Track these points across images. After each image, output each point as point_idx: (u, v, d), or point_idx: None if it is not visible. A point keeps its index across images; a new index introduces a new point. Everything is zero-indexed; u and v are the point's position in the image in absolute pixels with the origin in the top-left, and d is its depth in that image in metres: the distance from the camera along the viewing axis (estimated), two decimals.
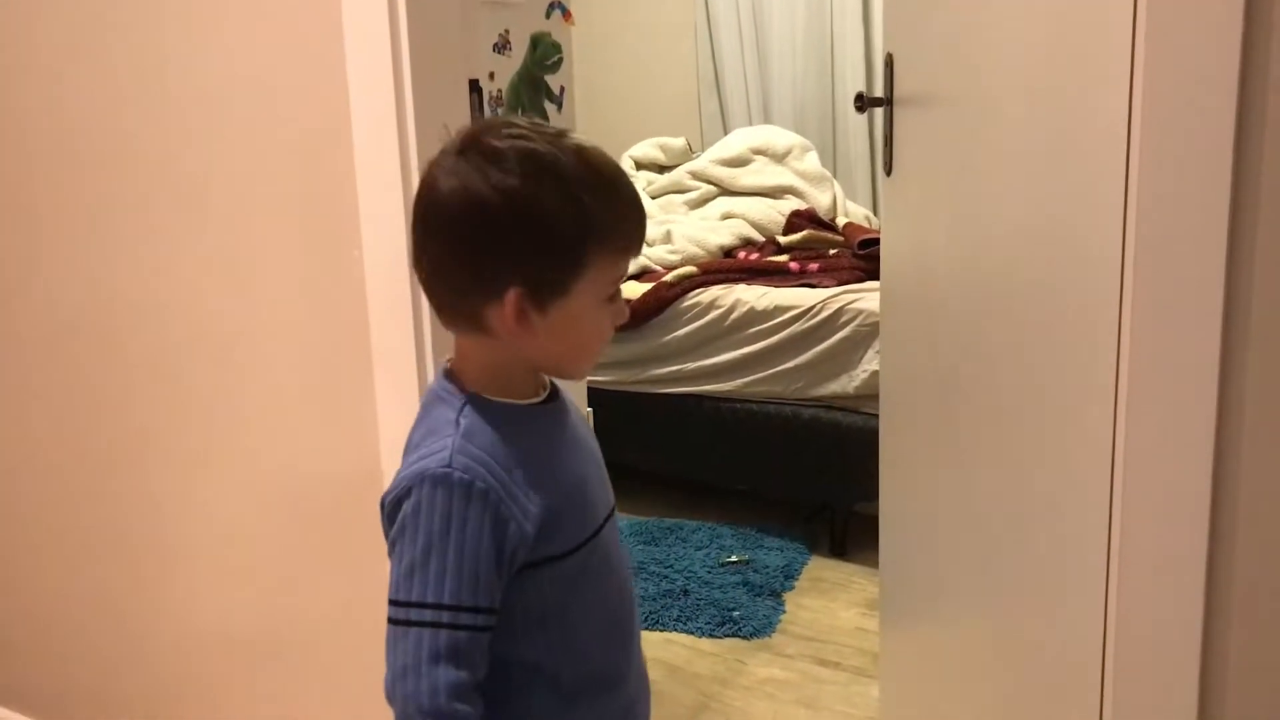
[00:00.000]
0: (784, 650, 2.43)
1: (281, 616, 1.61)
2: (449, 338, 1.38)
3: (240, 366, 1.54)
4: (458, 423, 0.92)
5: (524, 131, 0.91)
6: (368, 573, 1.49)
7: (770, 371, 2.91)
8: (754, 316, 2.93)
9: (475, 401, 0.94)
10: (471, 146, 0.90)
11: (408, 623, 0.88)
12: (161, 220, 1.55)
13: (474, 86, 1.43)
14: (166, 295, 1.58)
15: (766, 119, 4.27)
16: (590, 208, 0.91)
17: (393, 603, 0.89)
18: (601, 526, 1.00)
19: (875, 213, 4.03)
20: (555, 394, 1.02)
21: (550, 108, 1.91)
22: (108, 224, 1.61)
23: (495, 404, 0.95)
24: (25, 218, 1.70)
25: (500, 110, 1.77)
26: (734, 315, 2.95)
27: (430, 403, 0.97)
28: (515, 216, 0.89)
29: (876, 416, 2.64)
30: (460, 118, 1.40)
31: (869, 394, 2.73)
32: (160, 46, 1.49)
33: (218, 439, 1.59)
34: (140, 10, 1.49)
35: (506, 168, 0.89)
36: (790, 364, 2.87)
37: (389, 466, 1.43)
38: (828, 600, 2.65)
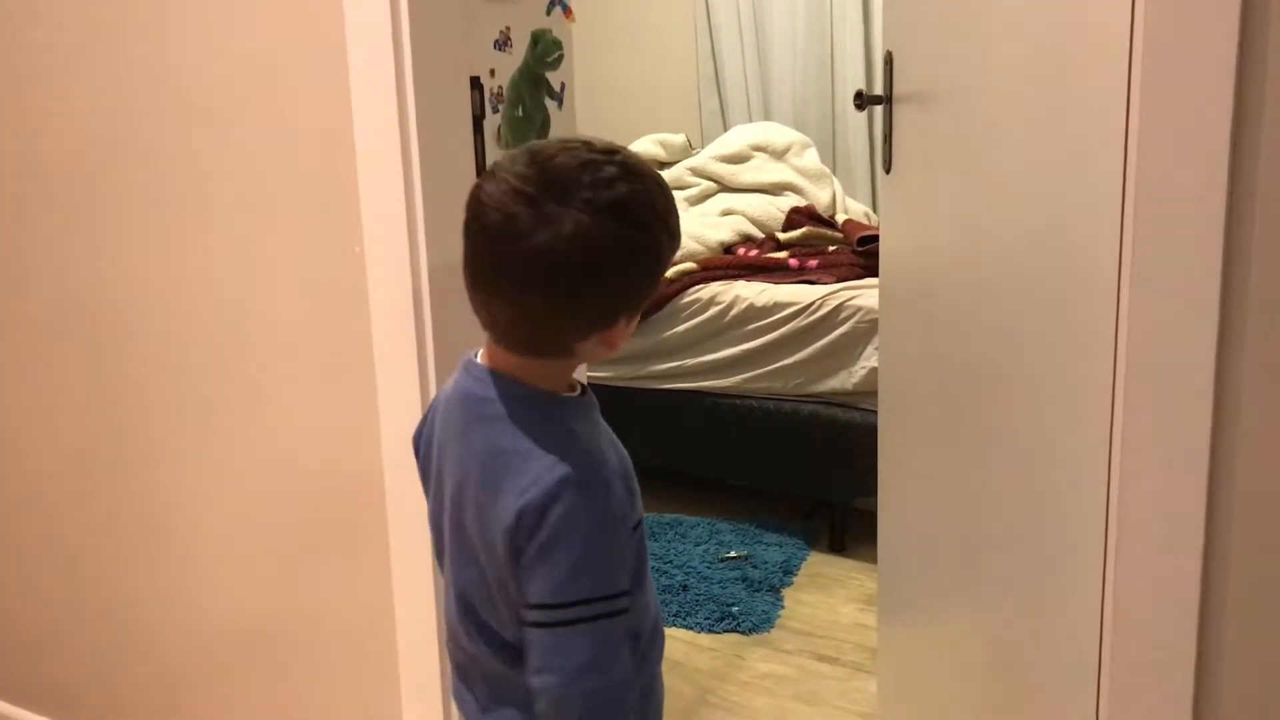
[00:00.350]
0: (783, 645, 2.44)
1: (287, 608, 1.62)
2: (450, 335, 1.39)
3: (243, 362, 1.55)
4: (567, 427, 0.97)
5: (612, 175, 0.89)
6: (369, 565, 1.50)
7: (769, 368, 2.92)
8: (753, 313, 2.93)
9: (558, 403, 0.98)
10: (562, 193, 0.88)
11: (583, 619, 0.91)
12: (164, 216, 1.56)
13: (475, 83, 1.43)
14: (170, 291, 1.59)
15: (766, 116, 4.27)
16: (674, 228, 0.95)
17: (558, 606, 0.91)
18: None
19: (874, 209, 4.03)
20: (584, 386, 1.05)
21: (550, 104, 1.91)
22: (111, 220, 1.61)
23: (570, 402, 1.00)
24: (29, 214, 1.70)
25: (502, 107, 1.77)
26: (733, 311, 2.96)
27: (510, 408, 0.96)
28: (635, 260, 0.92)
29: (875, 413, 2.65)
30: (461, 115, 1.40)
31: (868, 390, 2.74)
32: (164, 43, 1.49)
33: (222, 433, 1.60)
34: (144, 8, 1.50)
35: (649, 220, 0.91)
36: (789, 360, 2.88)
37: (390, 461, 1.43)
38: (826, 596, 2.66)
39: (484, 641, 0.99)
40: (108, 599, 1.80)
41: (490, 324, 0.95)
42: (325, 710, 1.62)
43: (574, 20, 1.94)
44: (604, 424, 1.05)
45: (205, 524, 1.66)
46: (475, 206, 0.91)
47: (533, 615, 0.92)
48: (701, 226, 3.48)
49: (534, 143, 0.94)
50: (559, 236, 0.87)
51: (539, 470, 0.92)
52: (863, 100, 1.78)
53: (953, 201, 1.53)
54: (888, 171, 1.76)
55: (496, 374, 0.97)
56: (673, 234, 0.94)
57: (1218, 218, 0.96)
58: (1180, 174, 0.98)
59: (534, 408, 0.96)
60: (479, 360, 0.99)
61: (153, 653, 1.78)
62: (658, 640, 1.07)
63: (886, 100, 1.71)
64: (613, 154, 0.92)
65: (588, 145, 0.92)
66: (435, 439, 1.04)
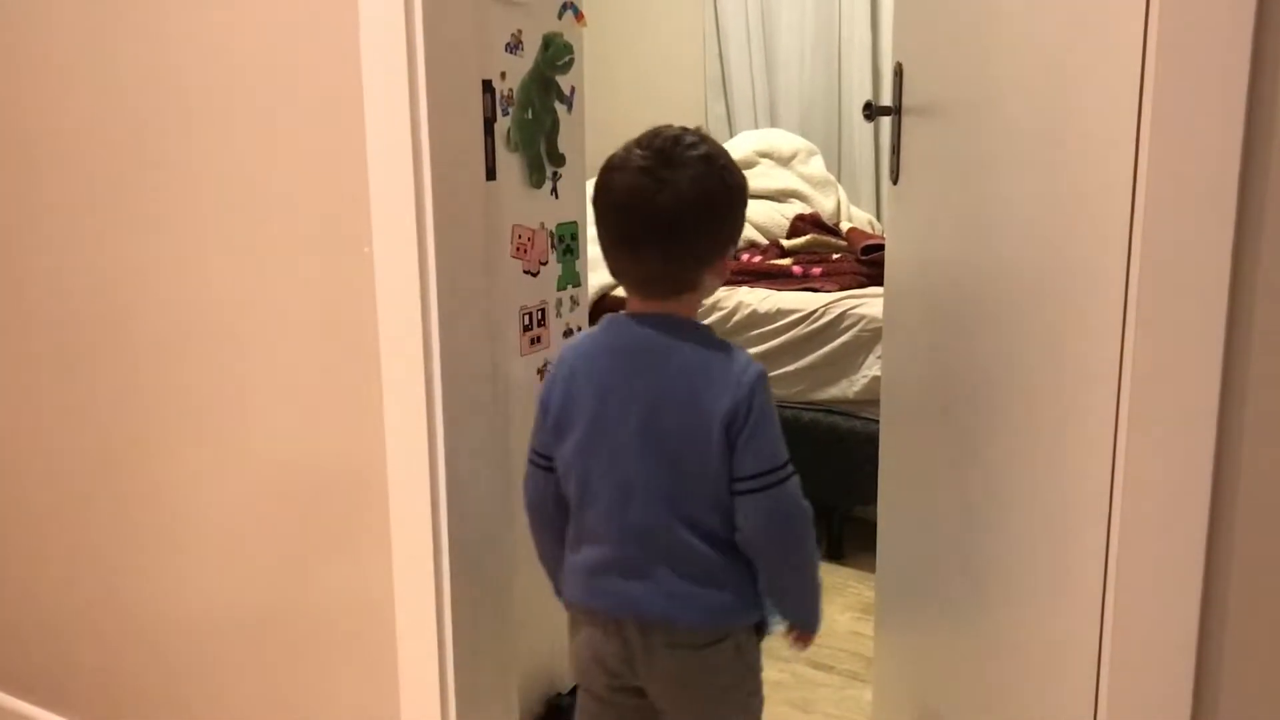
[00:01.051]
0: (778, 653, 2.44)
1: (286, 602, 1.62)
2: (456, 334, 1.40)
3: (249, 357, 1.55)
4: (728, 342, 1.30)
5: (694, 140, 1.27)
6: (369, 559, 1.50)
7: (771, 374, 2.92)
8: (756, 319, 2.94)
9: (707, 326, 1.36)
10: (668, 161, 1.23)
11: (789, 476, 1.28)
12: (171, 213, 1.56)
13: (486, 86, 1.43)
14: (177, 286, 1.59)
15: (773, 123, 4.28)
16: (743, 176, 1.32)
17: (771, 470, 1.26)
18: None
19: (879, 218, 4.04)
20: None
21: (560, 108, 1.92)
22: (118, 216, 1.62)
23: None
24: (35, 211, 1.71)
25: (511, 109, 1.78)
26: (736, 317, 2.96)
27: (686, 336, 1.28)
28: (743, 198, 1.31)
29: (876, 421, 2.66)
30: (473, 118, 1.41)
31: (869, 399, 2.75)
32: (173, 42, 1.50)
33: (223, 427, 1.60)
34: (149, 7, 1.50)
35: (730, 165, 1.29)
36: (791, 367, 2.88)
37: (394, 457, 1.44)
38: (824, 604, 2.66)
39: (688, 530, 1.26)
40: (106, 591, 1.81)
41: (640, 281, 1.29)
42: (322, 704, 1.62)
43: (585, 24, 1.95)
44: None
45: (206, 515, 1.66)
46: (609, 192, 1.25)
47: (751, 484, 1.25)
48: None
49: (639, 136, 1.27)
50: (679, 191, 1.21)
51: (738, 371, 1.24)
52: (871, 111, 1.79)
53: (959, 213, 1.54)
54: (895, 182, 1.77)
55: (658, 317, 1.28)
56: (744, 179, 1.31)
57: (1226, 230, 0.97)
58: (1189, 188, 0.98)
59: (701, 331, 1.29)
60: (627, 317, 1.29)
61: (150, 645, 1.78)
62: None
63: (895, 111, 1.71)
64: (689, 130, 1.28)
65: (670, 127, 1.28)
66: (580, 392, 1.30)
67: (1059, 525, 1.24)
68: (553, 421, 1.32)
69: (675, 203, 1.21)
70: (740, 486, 1.25)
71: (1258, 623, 1.03)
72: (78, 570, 1.83)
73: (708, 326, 1.33)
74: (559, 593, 1.42)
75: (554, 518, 1.37)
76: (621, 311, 1.31)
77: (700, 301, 1.35)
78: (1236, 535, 1.02)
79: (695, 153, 1.24)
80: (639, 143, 1.26)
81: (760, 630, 1.37)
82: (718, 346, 1.28)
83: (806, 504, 1.29)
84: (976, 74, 1.46)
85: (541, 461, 1.36)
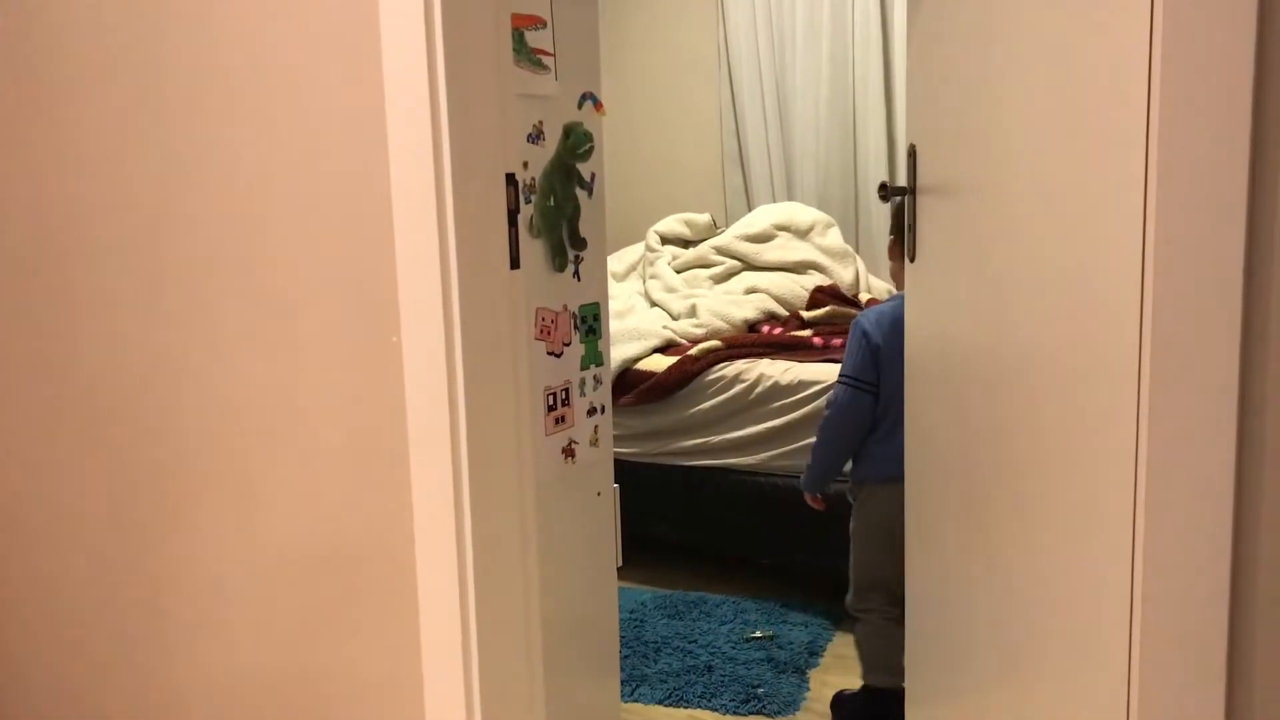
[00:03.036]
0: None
1: (310, 673, 1.63)
2: (481, 417, 1.43)
3: (277, 445, 1.58)
4: None
5: None
6: (398, 640, 1.51)
7: (794, 445, 2.94)
8: (778, 391, 2.96)
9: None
10: None
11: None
12: (206, 303, 1.61)
13: (510, 180, 1.48)
14: (208, 373, 1.63)
15: (790, 195, 4.34)
16: None
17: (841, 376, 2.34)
18: None
19: (898, 289, 4.06)
20: None
21: (581, 194, 1.97)
22: (150, 306, 1.66)
23: None
24: (70, 292, 1.76)
25: (534, 198, 1.83)
26: (758, 389, 2.99)
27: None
28: None
29: None
30: (497, 212, 1.45)
31: None
32: (206, 149, 1.55)
33: (252, 513, 1.63)
34: (195, 100, 1.56)
35: None
36: (814, 438, 2.89)
37: (423, 541, 1.46)
38: (853, 677, 2.64)
39: None
40: (127, 668, 1.82)
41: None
42: None
43: (604, 114, 2.00)
44: None
45: (229, 601, 1.68)
46: None
47: None
48: (726, 304, 3.53)
49: None
50: None
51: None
52: (887, 192, 1.83)
53: (975, 289, 1.56)
54: (911, 260, 1.80)
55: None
56: None
57: (1234, 308, 0.99)
58: (1197, 265, 1.01)
59: None
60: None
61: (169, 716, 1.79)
62: None
63: (910, 191, 1.75)
64: None
65: None
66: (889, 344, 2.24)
67: (1084, 597, 1.24)
68: (881, 362, 2.27)
69: None
70: None
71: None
72: (93, 648, 1.85)
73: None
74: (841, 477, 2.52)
75: (863, 429, 2.34)
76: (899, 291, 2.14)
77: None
78: (1258, 615, 1.03)
79: None
80: None
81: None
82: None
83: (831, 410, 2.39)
84: (988, 156, 1.50)
85: (869, 389, 2.31)
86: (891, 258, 2.32)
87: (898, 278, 2.28)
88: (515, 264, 1.50)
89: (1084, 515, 1.23)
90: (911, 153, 1.75)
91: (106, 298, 1.72)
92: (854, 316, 3.41)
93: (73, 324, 1.78)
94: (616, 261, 4.02)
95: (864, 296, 3.66)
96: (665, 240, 4.11)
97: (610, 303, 2.24)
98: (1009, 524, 1.46)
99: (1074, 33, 1.22)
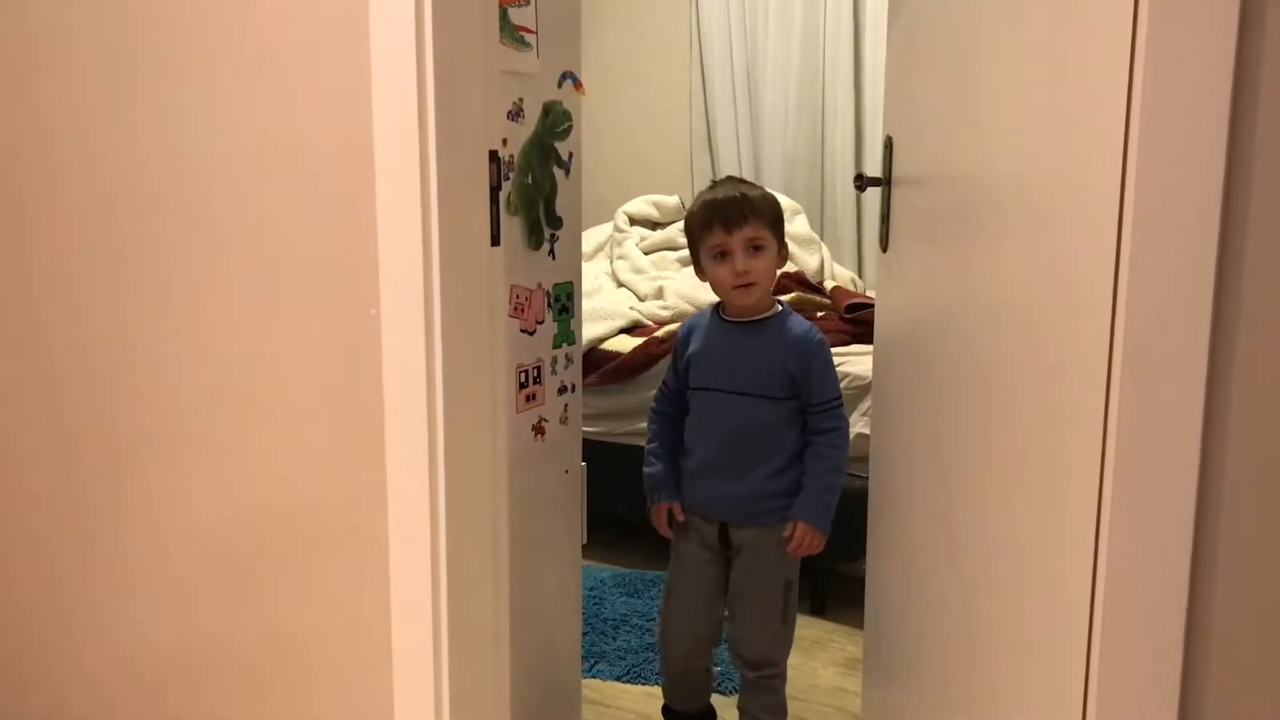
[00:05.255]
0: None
1: (273, 631, 1.63)
2: (459, 394, 1.44)
3: (252, 412, 1.58)
4: (703, 312, 2.19)
5: (714, 184, 2.13)
6: (369, 604, 1.52)
7: None
8: None
9: (714, 305, 2.15)
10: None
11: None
12: (187, 273, 1.59)
13: (493, 157, 1.48)
14: (184, 339, 1.62)
15: (758, 180, 4.36)
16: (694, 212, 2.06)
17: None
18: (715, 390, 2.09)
19: (860, 276, 4.11)
20: (762, 323, 2.07)
21: (558, 173, 1.97)
22: (126, 265, 1.65)
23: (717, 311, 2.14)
24: (40, 259, 1.74)
25: (512, 175, 1.83)
26: None
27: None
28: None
29: (860, 478, 2.69)
30: (480, 189, 1.46)
31: (854, 456, 2.78)
32: (192, 109, 1.54)
33: (218, 475, 1.62)
34: (172, 72, 1.55)
35: None
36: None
37: (396, 513, 1.47)
38: (807, 658, 2.69)
39: None
40: (62, 625, 1.81)
41: None
42: None
43: (584, 93, 2.01)
44: (749, 345, 2.09)
45: (190, 557, 1.68)
46: None
47: None
48: (693, 287, 3.54)
49: None
50: None
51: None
52: (863, 182, 1.85)
53: (948, 280, 1.59)
54: (884, 250, 1.83)
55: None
56: (690, 220, 2.10)
57: (1203, 320, 1.03)
58: (1170, 261, 1.04)
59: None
60: None
61: (95, 679, 1.78)
62: None
63: (885, 182, 1.78)
64: (726, 180, 2.16)
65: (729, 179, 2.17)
66: None
67: (1046, 583, 1.27)
68: None
69: None
70: None
71: (1237, 683, 1.07)
72: (32, 602, 1.83)
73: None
74: None
75: None
76: None
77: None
78: (1217, 594, 1.06)
79: None
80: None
81: None
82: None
83: None
84: (966, 148, 1.52)
85: None
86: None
87: None
88: (496, 241, 1.51)
89: (1049, 506, 1.27)
90: (888, 144, 1.77)
91: (80, 263, 1.70)
92: (819, 303, 3.45)
93: (39, 289, 1.76)
94: (584, 241, 4.01)
95: (828, 284, 3.69)
96: (634, 221, 4.12)
97: (585, 287, 2.24)
98: (975, 509, 1.49)
99: (1055, 25, 1.24)
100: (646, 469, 2.19)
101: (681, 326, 2.22)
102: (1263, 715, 1.07)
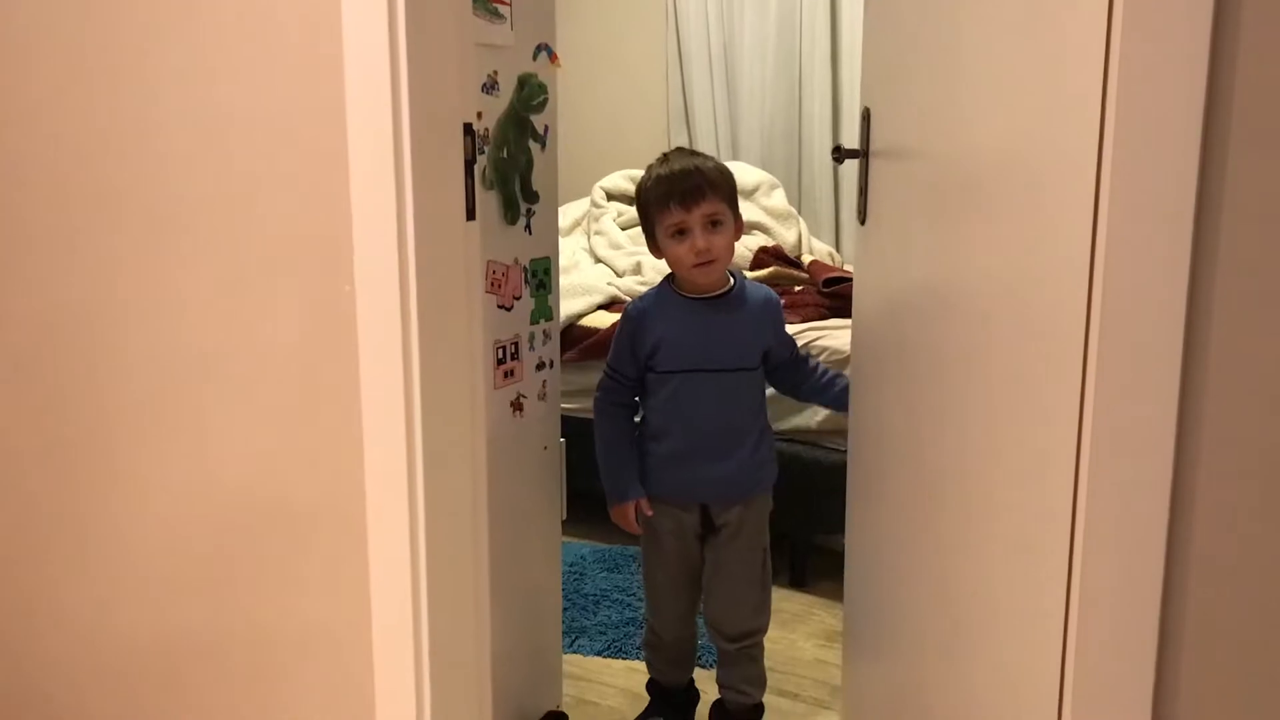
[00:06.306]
0: None
1: (253, 624, 1.63)
2: (437, 371, 1.43)
3: (225, 389, 1.56)
4: (651, 293, 2.09)
5: (665, 156, 2.08)
6: (346, 587, 1.51)
7: None
8: None
9: (665, 284, 2.08)
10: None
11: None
12: (157, 245, 1.57)
13: (467, 130, 1.46)
14: (155, 314, 1.60)
15: (735, 155, 4.35)
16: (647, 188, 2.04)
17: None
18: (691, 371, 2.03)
19: (838, 249, 4.11)
20: (727, 297, 2.04)
21: (534, 146, 1.95)
22: (99, 242, 1.63)
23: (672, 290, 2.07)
24: (15, 235, 1.71)
25: (488, 149, 1.81)
26: None
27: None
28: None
29: (839, 451, 2.70)
30: (455, 162, 1.44)
31: (831, 429, 2.80)
32: (163, 83, 1.52)
33: (189, 448, 1.61)
34: (144, 47, 1.52)
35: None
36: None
37: (374, 492, 1.46)
38: (787, 631, 2.70)
39: None
40: (23, 605, 1.80)
41: None
42: None
43: (560, 65, 1.99)
44: (717, 321, 2.06)
45: (174, 542, 1.67)
46: None
47: None
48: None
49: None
50: None
51: None
52: (841, 154, 1.84)
53: (926, 253, 1.59)
54: (862, 223, 1.82)
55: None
56: (645, 195, 2.08)
57: (1181, 277, 1.03)
58: (1148, 230, 1.04)
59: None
60: None
61: (69, 670, 1.78)
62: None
63: (863, 155, 1.77)
64: (677, 152, 2.12)
65: (682, 151, 2.12)
66: None
67: (1024, 551, 1.28)
68: None
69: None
70: None
71: (1210, 652, 1.08)
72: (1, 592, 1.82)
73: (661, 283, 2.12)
74: None
75: None
76: None
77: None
78: (1191, 569, 1.07)
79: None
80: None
81: None
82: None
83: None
84: (945, 119, 1.52)
85: None
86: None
87: None
88: (471, 215, 1.49)
89: (1027, 469, 1.27)
90: (865, 115, 1.77)
91: (44, 248, 1.68)
92: (797, 277, 3.45)
93: (14, 264, 1.73)
94: (561, 216, 3.98)
95: (806, 258, 3.69)
96: (611, 196, 4.10)
97: (561, 262, 2.23)
98: (953, 479, 1.50)
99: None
100: (607, 466, 2.09)
101: (629, 310, 2.08)
102: (1240, 667, 1.08)
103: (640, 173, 4.12)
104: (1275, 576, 1.04)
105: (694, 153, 2.08)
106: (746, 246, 3.67)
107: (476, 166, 1.52)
